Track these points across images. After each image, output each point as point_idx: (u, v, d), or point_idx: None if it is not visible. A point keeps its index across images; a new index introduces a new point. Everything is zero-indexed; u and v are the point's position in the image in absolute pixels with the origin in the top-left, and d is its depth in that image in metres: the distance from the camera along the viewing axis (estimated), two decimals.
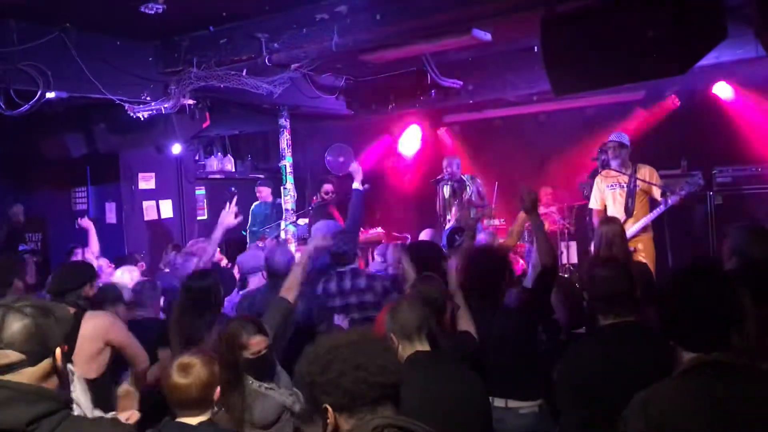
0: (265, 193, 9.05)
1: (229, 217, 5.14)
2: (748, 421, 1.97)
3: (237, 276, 5.52)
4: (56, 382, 1.92)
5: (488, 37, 5.58)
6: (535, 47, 5.75)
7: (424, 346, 2.80)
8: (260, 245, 7.78)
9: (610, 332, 2.86)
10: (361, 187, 5.66)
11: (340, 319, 4.39)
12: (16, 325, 1.85)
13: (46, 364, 1.89)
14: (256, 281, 5.05)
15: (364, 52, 6.20)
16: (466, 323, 3.47)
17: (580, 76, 4.51)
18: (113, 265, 6.26)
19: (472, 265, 3.83)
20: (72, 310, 2.55)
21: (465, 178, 7.97)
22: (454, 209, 7.89)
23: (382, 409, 1.82)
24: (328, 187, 8.09)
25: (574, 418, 2.83)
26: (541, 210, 8.52)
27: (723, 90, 8.16)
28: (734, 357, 2.05)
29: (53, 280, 4.06)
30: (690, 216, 7.51)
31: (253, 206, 9.07)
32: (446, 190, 8.04)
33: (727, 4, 4.48)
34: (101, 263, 6.14)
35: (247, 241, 8.75)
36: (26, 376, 1.85)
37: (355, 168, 5.85)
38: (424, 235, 6.47)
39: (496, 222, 8.45)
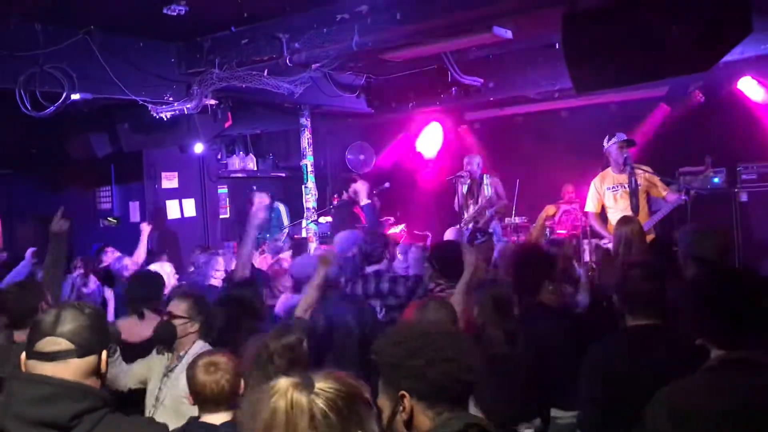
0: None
1: (260, 212, 4.87)
2: None
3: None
4: (99, 383, 1.99)
5: (509, 34, 5.55)
6: (557, 44, 5.72)
7: None
8: (263, 250, 7.77)
9: (637, 333, 2.85)
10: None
11: None
12: (70, 319, 1.95)
13: (91, 359, 1.96)
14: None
15: (385, 51, 6.20)
16: None
17: (602, 74, 4.47)
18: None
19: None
20: None
21: (485, 177, 7.93)
22: (470, 208, 7.86)
23: (459, 408, 1.78)
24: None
25: (592, 415, 2.82)
26: (563, 207, 8.49)
27: (748, 85, 8.04)
28: (760, 355, 2.07)
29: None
30: (715, 213, 7.41)
31: None
32: (464, 189, 8.01)
33: None
34: (126, 262, 6.18)
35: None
36: (71, 367, 1.91)
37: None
38: (449, 235, 6.46)
39: (518, 220, 8.41)
